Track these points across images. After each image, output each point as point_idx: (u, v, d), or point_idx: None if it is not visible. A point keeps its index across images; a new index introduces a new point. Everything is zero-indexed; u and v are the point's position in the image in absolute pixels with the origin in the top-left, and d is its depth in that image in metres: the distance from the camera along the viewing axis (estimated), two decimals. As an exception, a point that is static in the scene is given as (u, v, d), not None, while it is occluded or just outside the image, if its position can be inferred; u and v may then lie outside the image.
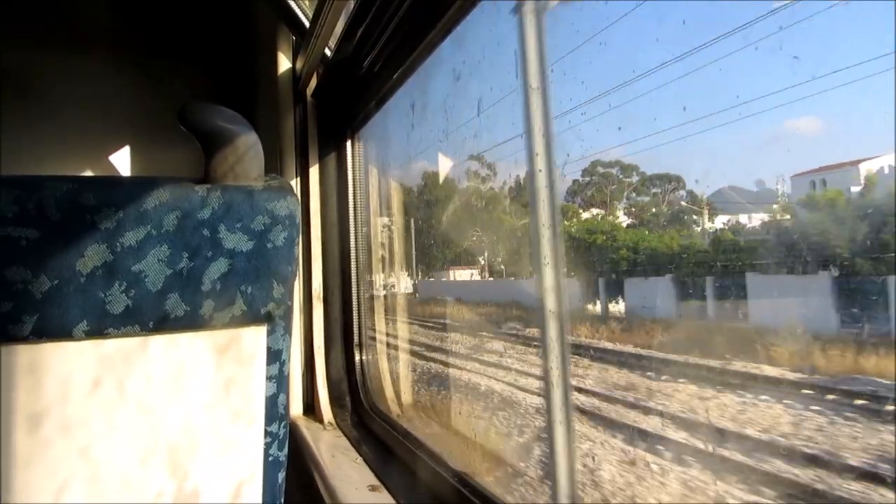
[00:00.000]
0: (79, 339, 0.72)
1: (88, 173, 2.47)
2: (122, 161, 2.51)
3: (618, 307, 2.42)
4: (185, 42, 2.41)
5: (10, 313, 0.69)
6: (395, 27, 1.36)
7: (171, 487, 0.77)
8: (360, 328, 1.89)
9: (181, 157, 2.02)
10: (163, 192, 0.75)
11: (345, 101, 1.80)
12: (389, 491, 1.35)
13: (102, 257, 0.72)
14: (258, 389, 0.82)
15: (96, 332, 0.72)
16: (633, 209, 2.55)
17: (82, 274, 0.71)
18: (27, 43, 2.29)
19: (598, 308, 2.47)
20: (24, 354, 0.70)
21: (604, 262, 2.47)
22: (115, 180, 0.76)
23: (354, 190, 1.88)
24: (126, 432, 0.75)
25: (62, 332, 0.71)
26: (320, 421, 1.83)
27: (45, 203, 0.70)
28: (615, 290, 2.43)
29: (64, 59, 2.35)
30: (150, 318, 0.75)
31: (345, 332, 1.90)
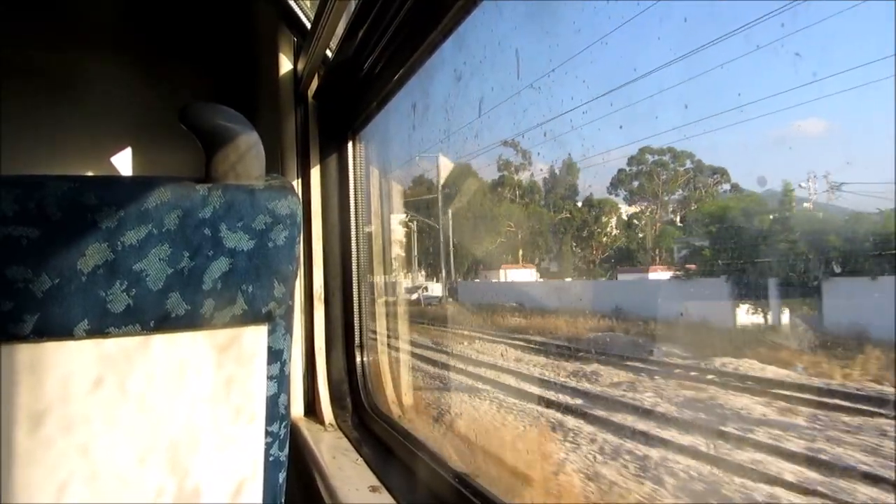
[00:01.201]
0: (80, 339, 0.72)
1: (90, 174, 2.48)
2: (123, 161, 2.52)
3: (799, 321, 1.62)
4: (186, 43, 2.42)
5: (11, 312, 0.69)
6: (397, 28, 1.36)
7: (171, 486, 0.77)
8: (361, 329, 1.89)
9: (183, 158, 2.03)
10: (164, 191, 0.75)
11: (346, 102, 1.80)
12: (390, 492, 1.34)
13: (103, 256, 0.72)
14: (259, 388, 0.82)
15: (97, 332, 0.72)
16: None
17: (83, 273, 0.71)
18: (28, 43, 2.30)
19: (767, 319, 1.71)
20: (25, 353, 0.70)
21: (773, 255, 1.68)
22: (115, 179, 0.76)
23: (356, 190, 1.88)
24: (127, 431, 0.75)
25: (63, 331, 0.71)
26: (321, 422, 1.83)
27: (46, 202, 0.70)
28: (803, 294, 1.62)
29: (65, 60, 2.36)
30: (151, 317, 0.75)
31: (346, 333, 1.90)
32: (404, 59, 1.41)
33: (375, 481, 1.40)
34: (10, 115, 2.19)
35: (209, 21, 2.40)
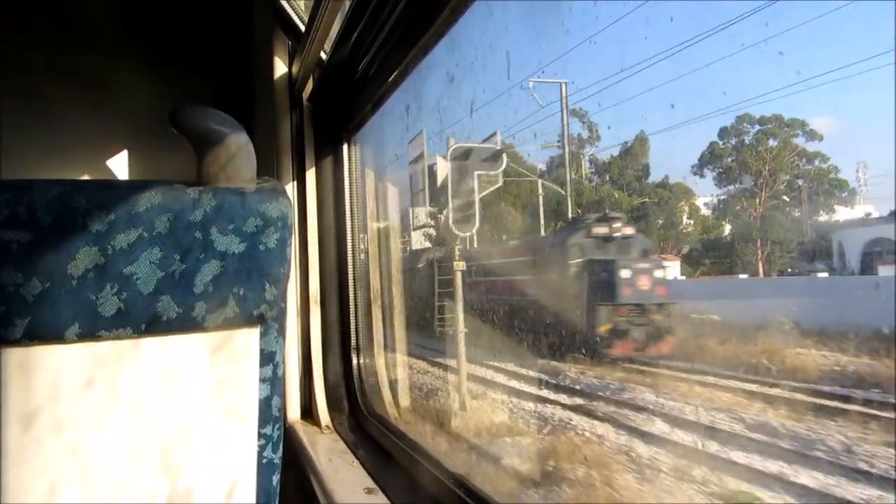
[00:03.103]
0: (70, 342, 0.72)
1: (86, 177, 2.48)
2: (119, 164, 2.51)
3: None
4: (182, 46, 2.42)
5: (1, 316, 0.69)
6: (390, 31, 1.37)
7: (164, 486, 0.77)
8: (357, 331, 1.88)
9: (179, 160, 2.03)
10: (154, 194, 0.75)
11: (341, 104, 1.81)
12: (386, 494, 1.34)
13: (94, 260, 0.72)
14: (251, 389, 0.82)
15: (88, 335, 0.72)
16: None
17: (74, 276, 0.71)
18: (25, 46, 2.30)
19: None
20: (16, 356, 0.70)
21: None
22: (106, 183, 0.76)
23: (351, 192, 1.88)
24: (118, 431, 0.75)
25: (54, 335, 0.71)
26: (317, 424, 1.83)
27: (36, 206, 0.70)
28: None
29: (62, 62, 2.36)
30: (143, 320, 0.75)
31: (342, 336, 1.90)
32: (398, 61, 1.41)
33: (371, 483, 1.40)
34: (6, 118, 2.19)
35: (204, 24, 2.40)
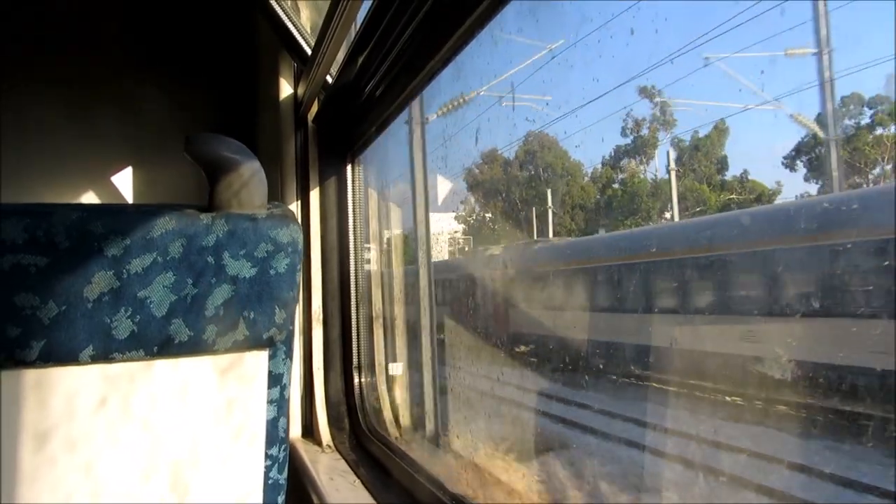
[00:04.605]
0: (84, 364, 0.74)
1: (90, 195, 2.50)
2: (124, 183, 2.54)
3: None
4: (189, 67, 2.46)
5: (18, 338, 0.70)
6: (396, 56, 1.40)
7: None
8: (359, 350, 1.89)
9: (181, 179, 2.06)
10: (169, 219, 0.77)
11: (345, 126, 1.84)
12: (387, 514, 1.35)
13: (109, 283, 0.74)
14: (259, 411, 0.84)
15: (102, 357, 0.74)
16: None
17: (89, 300, 0.73)
18: (32, 62, 2.33)
19: None
20: (31, 377, 0.72)
21: None
22: (122, 208, 0.78)
23: (354, 213, 1.90)
24: (129, 450, 0.76)
25: (69, 357, 0.73)
26: (319, 443, 1.83)
27: (55, 231, 0.72)
28: None
29: (69, 79, 2.39)
30: (155, 342, 0.76)
31: (344, 355, 1.91)
32: (403, 85, 1.44)
33: (373, 503, 1.40)
34: (12, 132, 2.21)
35: (212, 46, 2.45)
